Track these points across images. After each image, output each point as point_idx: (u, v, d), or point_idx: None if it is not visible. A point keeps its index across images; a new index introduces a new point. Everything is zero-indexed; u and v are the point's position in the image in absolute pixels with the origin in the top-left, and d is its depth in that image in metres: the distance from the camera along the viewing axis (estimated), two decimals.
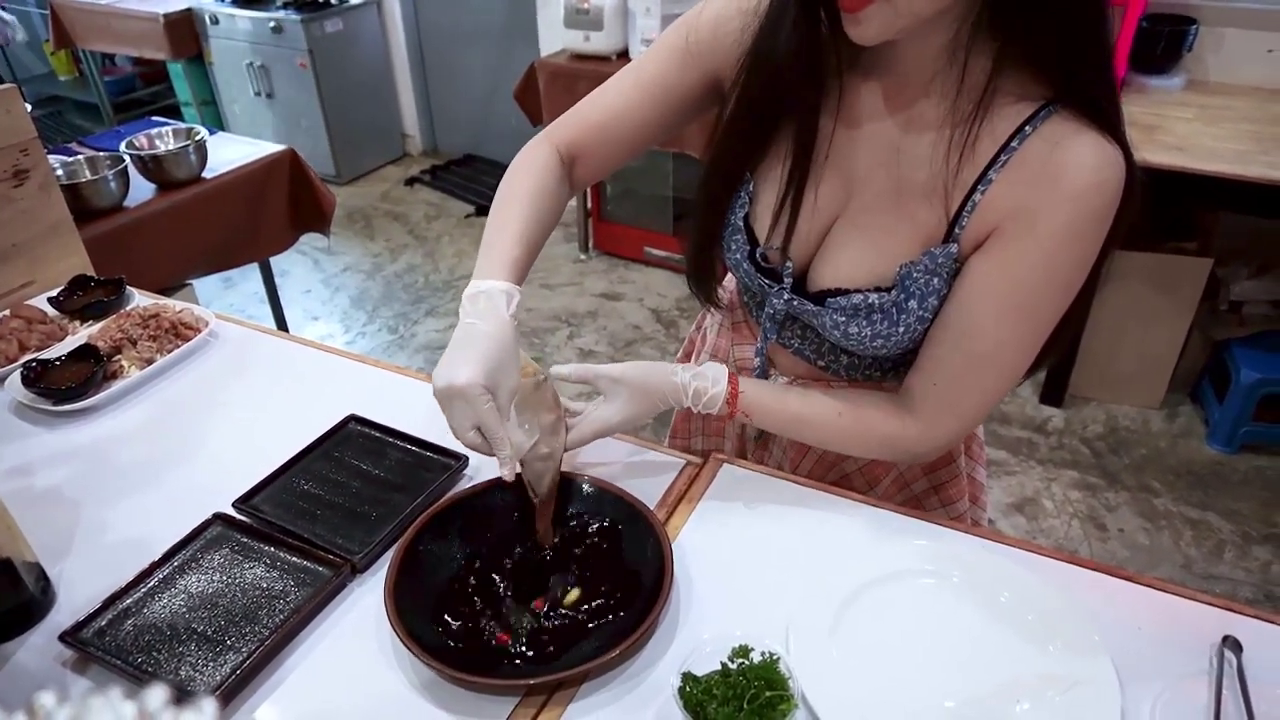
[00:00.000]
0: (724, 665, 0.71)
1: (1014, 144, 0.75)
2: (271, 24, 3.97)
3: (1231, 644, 0.75)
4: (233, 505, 0.93)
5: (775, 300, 0.92)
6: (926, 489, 1.04)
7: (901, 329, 0.84)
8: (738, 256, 0.92)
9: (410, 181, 4.32)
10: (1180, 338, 2.53)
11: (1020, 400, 2.70)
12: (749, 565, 0.86)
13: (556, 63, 3.12)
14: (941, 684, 0.73)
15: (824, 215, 0.86)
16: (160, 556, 0.87)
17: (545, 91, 3.16)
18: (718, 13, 0.87)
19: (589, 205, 3.51)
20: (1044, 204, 0.74)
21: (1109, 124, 0.73)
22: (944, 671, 0.74)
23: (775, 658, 0.71)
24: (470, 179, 4.30)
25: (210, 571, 0.86)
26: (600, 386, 0.90)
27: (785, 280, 0.90)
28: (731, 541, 0.89)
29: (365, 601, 0.83)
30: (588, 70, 3.05)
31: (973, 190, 0.77)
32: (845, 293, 0.85)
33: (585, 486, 0.92)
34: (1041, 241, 0.75)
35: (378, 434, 1.03)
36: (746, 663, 0.71)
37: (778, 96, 0.82)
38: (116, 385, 1.12)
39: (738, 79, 0.84)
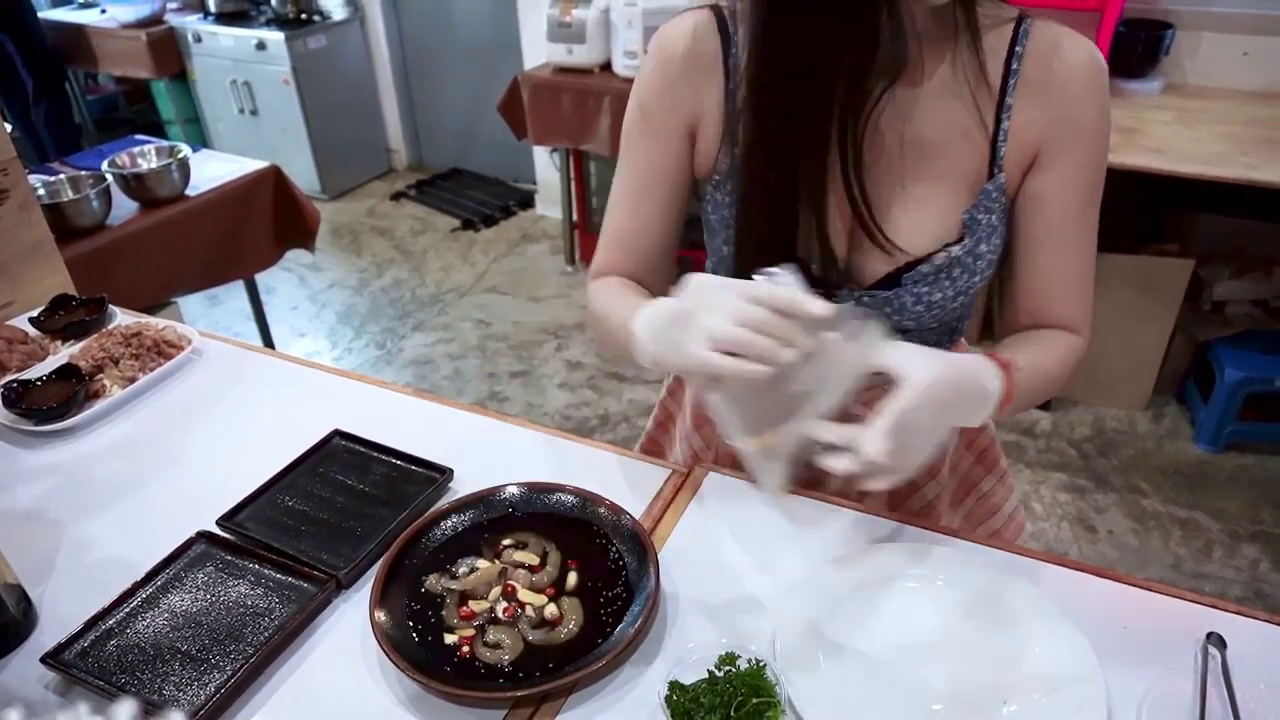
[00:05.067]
0: (711, 673, 0.71)
1: (1015, 65, 0.81)
2: (255, 41, 3.97)
3: (1215, 640, 0.75)
4: (216, 523, 0.92)
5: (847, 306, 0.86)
6: (973, 462, 1.07)
7: (977, 277, 0.86)
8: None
9: (396, 196, 4.32)
10: (1164, 339, 2.55)
11: None
12: (735, 572, 0.86)
13: (540, 76, 3.14)
14: (928, 687, 0.73)
15: (847, 208, 0.83)
16: (143, 576, 0.86)
17: (529, 104, 3.16)
18: (651, 81, 0.88)
19: (574, 218, 3.52)
20: (1074, 106, 0.81)
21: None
22: (931, 674, 0.74)
23: (762, 664, 0.71)
24: (456, 193, 4.31)
25: (194, 590, 0.85)
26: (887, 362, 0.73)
27: (842, 283, 0.87)
28: (717, 549, 0.89)
29: (351, 617, 0.83)
30: (571, 83, 3.06)
31: (999, 120, 0.82)
32: (918, 263, 0.85)
33: (570, 497, 0.92)
34: (1090, 138, 0.82)
35: (362, 449, 1.03)
36: (733, 670, 0.71)
37: (806, 108, 0.77)
38: (98, 405, 1.11)
39: (750, 104, 0.81)
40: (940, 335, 0.95)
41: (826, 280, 0.86)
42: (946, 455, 1.03)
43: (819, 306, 0.67)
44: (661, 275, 0.96)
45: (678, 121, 0.88)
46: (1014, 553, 0.87)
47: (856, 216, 0.82)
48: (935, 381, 0.69)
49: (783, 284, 0.70)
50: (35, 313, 1.31)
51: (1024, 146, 0.83)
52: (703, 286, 0.73)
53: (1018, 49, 0.81)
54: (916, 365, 0.70)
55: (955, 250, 0.84)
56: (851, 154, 0.79)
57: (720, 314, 0.68)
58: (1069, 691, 0.71)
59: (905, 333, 0.91)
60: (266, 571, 0.86)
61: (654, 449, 1.21)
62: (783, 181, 0.82)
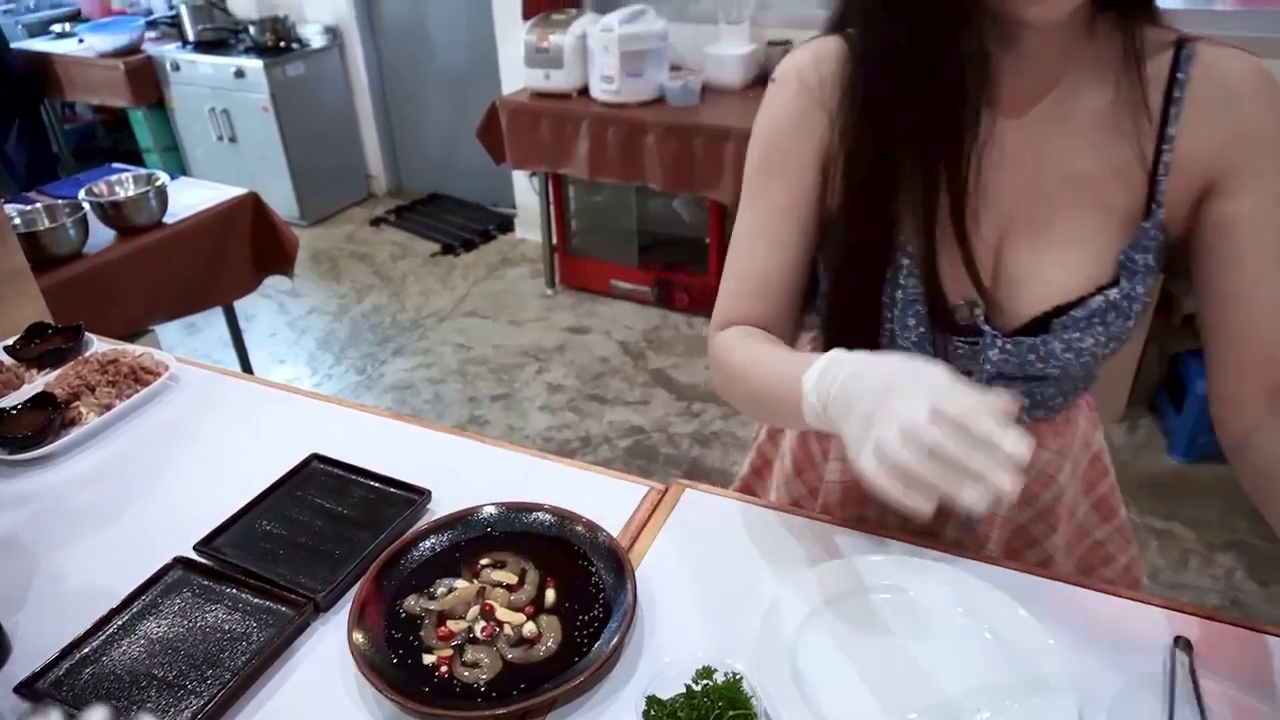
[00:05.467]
0: (688, 687, 0.71)
1: (1177, 94, 0.74)
2: (234, 69, 3.98)
3: (1183, 645, 0.76)
4: (194, 548, 0.92)
5: (991, 353, 0.82)
6: (1088, 511, 1.01)
7: (1131, 321, 0.79)
8: (920, 331, 0.83)
9: (375, 222, 4.33)
10: (1136, 352, 2.59)
11: None
12: (712, 588, 0.87)
13: (518, 101, 3.16)
14: (902, 697, 0.74)
15: (989, 248, 0.81)
16: (119, 603, 0.86)
17: (508, 129, 3.19)
18: (785, 109, 0.83)
19: (554, 241, 3.54)
20: (1253, 121, 0.73)
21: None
22: (904, 685, 0.75)
23: (738, 677, 0.72)
24: (436, 218, 4.32)
25: (171, 616, 0.85)
26: None
27: (986, 329, 0.81)
28: (695, 565, 0.90)
29: (329, 639, 0.83)
30: (549, 108, 3.09)
31: (1159, 152, 0.75)
32: (1071, 307, 0.79)
33: (547, 516, 0.92)
34: (1273, 155, 0.74)
35: (340, 472, 1.03)
36: (710, 683, 0.71)
37: (931, 137, 0.76)
38: (74, 432, 1.11)
39: (850, 149, 0.79)
40: (1078, 384, 0.89)
41: (963, 326, 0.82)
42: (1063, 506, 0.97)
43: (1014, 443, 0.57)
44: (790, 320, 0.90)
45: (811, 155, 0.83)
46: (983, 561, 0.88)
47: (965, 262, 0.77)
48: None
49: (985, 401, 0.59)
50: (10, 341, 1.31)
51: (1191, 178, 0.76)
52: (897, 368, 0.65)
53: (1179, 75, 0.74)
54: None
55: (1112, 293, 0.77)
56: (951, 196, 0.75)
57: (895, 424, 0.59)
58: (1040, 697, 0.72)
59: (1044, 379, 0.85)
60: (244, 596, 0.86)
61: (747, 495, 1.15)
62: (875, 228, 0.80)
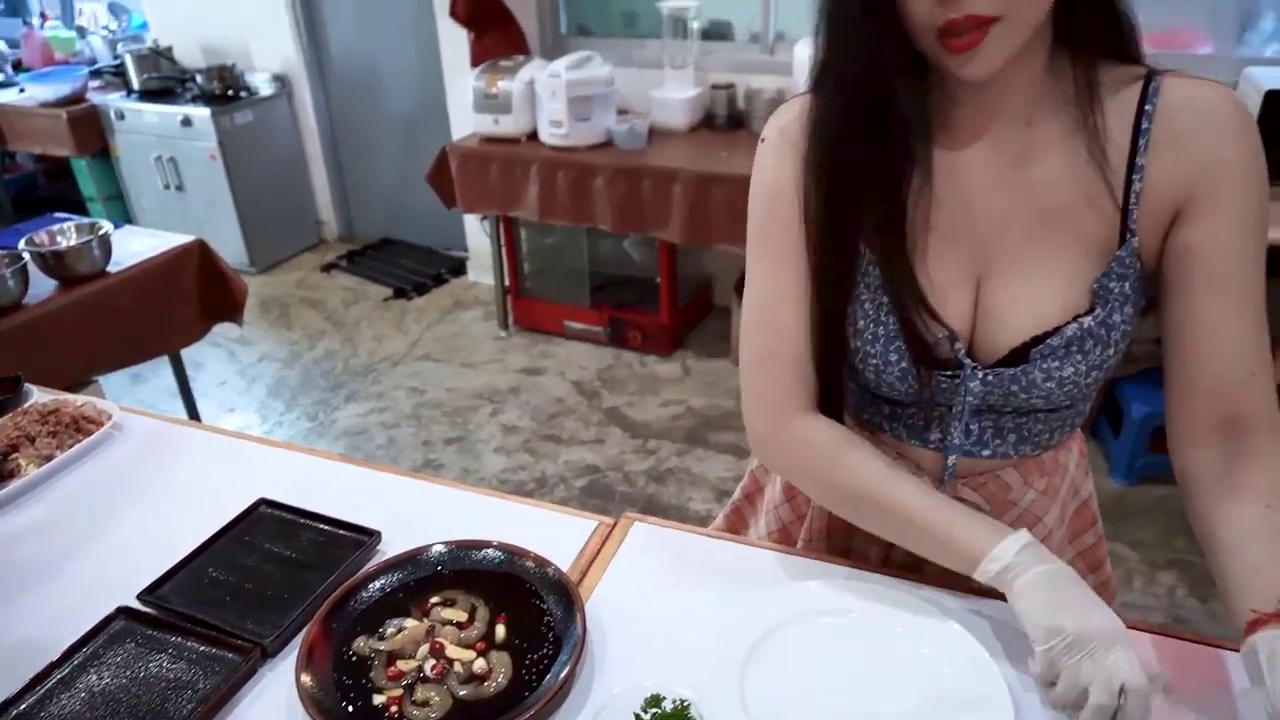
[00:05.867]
0: (637, 716, 0.72)
1: (1145, 124, 0.77)
2: (180, 118, 3.96)
3: None
4: (137, 598, 0.91)
5: (971, 385, 0.83)
6: (1073, 558, 1.01)
7: (1111, 349, 0.81)
8: (903, 365, 0.85)
9: (327, 268, 4.30)
10: None
11: None
12: (661, 618, 0.88)
13: (467, 146, 3.20)
14: (847, 717, 0.75)
15: (968, 283, 0.83)
16: (58, 657, 0.84)
17: (458, 174, 3.22)
18: (781, 158, 0.86)
19: (507, 283, 3.55)
20: (1217, 150, 0.75)
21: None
22: (849, 704, 0.77)
23: (686, 704, 0.73)
24: (388, 262, 4.31)
25: (113, 668, 0.83)
26: None
27: (965, 361, 0.83)
28: (644, 596, 0.91)
29: (277, 685, 0.82)
30: (499, 152, 3.13)
31: (1129, 182, 0.78)
32: (1048, 336, 0.80)
33: (496, 552, 0.93)
34: (1241, 181, 0.76)
35: (289, 516, 1.03)
36: (659, 711, 0.72)
37: (878, 182, 0.80)
38: (13, 485, 1.09)
39: (814, 195, 0.83)
40: (1064, 418, 0.90)
41: (945, 360, 0.84)
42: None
43: None
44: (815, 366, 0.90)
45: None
46: (918, 582, 0.90)
47: (919, 302, 0.81)
48: None
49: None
50: None
51: (1161, 206, 0.78)
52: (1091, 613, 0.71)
53: (1147, 107, 0.77)
54: None
55: (1087, 321, 0.79)
56: (895, 233, 0.80)
57: (1070, 684, 0.69)
58: (979, 710, 0.74)
59: (1034, 412, 0.87)
60: (189, 644, 0.85)
61: (737, 521, 1.17)
62: (843, 267, 0.84)
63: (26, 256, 2.07)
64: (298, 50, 4.16)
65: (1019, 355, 0.82)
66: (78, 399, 1.26)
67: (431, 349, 3.54)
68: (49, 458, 1.14)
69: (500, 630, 0.85)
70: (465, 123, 3.40)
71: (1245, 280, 0.77)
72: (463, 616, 0.86)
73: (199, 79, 4.03)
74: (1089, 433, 2.80)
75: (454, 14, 3.29)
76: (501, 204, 3.21)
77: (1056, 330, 0.80)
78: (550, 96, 2.98)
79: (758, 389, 0.90)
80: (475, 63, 3.31)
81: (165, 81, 4.14)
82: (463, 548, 0.94)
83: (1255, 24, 2.59)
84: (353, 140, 4.41)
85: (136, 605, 0.90)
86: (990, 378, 0.83)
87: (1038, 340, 0.80)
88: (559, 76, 2.93)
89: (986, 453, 0.90)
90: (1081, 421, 0.96)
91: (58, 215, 2.55)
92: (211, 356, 3.52)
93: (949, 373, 0.84)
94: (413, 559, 0.93)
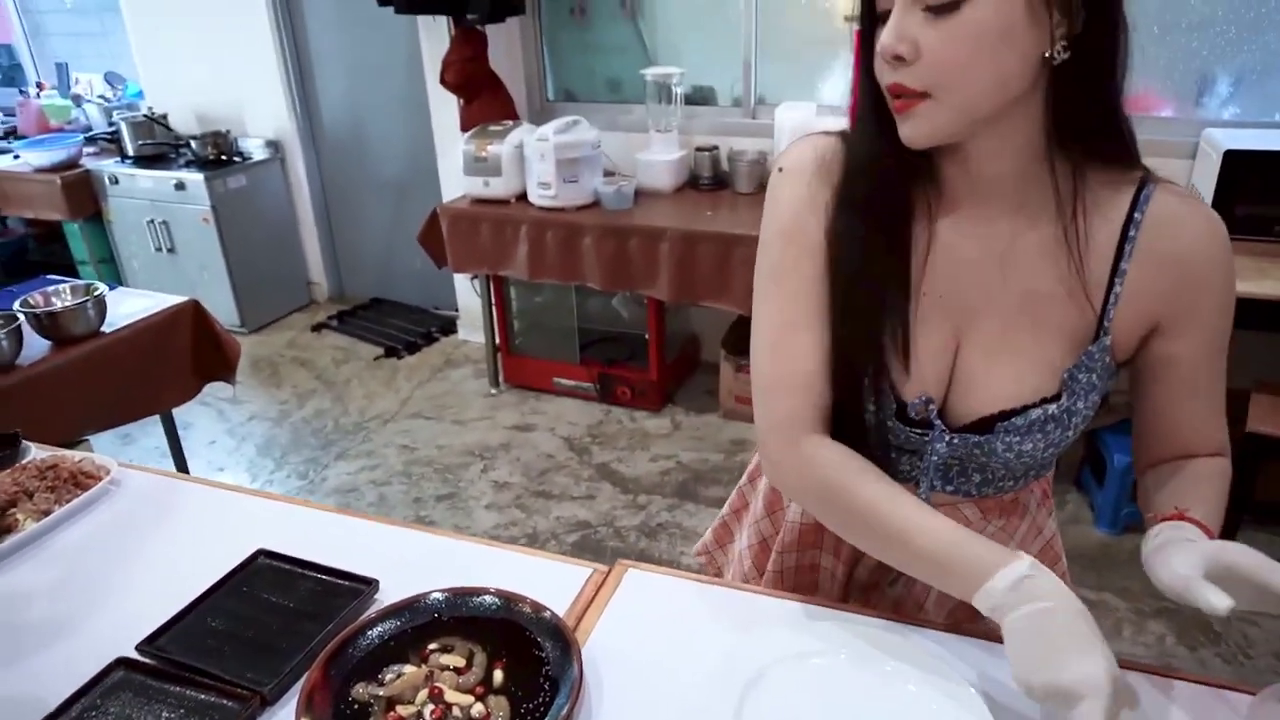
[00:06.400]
0: None
1: (1132, 233, 0.82)
2: (174, 182, 4.03)
3: None
4: (136, 648, 0.91)
5: (939, 445, 0.88)
6: None
7: (1070, 432, 0.86)
8: (881, 416, 0.89)
9: (317, 328, 4.34)
10: None
11: None
12: (656, 662, 0.90)
13: (458, 207, 3.27)
14: None
15: (947, 351, 0.88)
16: (55, 709, 0.84)
17: (448, 234, 3.28)
18: (793, 193, 0.89)
19: (497, 340, 3.59)
20: (1200, 277, 0.82)
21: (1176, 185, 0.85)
22: None
23: None
24: (378, 322, 4.35)
25: (112, 718, 0.84)
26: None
27: (936, 423, 0.88)
28: (639, 641, 0.93)
29: None
30: (488, 213, 3.20)
31: (1111, 283, 0.83)
32: (1015, 413, 0.85)
33: (493, 599, 0.95)
34: (1214, 307, 0.85)
35: (287, 566, 1.04)
36: None
37: (877, 231, 0.86)
38: (10, 540, 1.10)
39: (835, 230, 0.87)
40: (1029, 472, 0.95)
41: (918, 423, 0.88)
42: None
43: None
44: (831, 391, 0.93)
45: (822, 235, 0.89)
46: (908, 623, 0.93)
47: (903, 362, 0.86)
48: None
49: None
50: None
51: (1140, 313, 0.83)
52: (1078, 633, 0.71)
53: (1136, 215, 0.81)
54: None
55: (1051, 408, 0.84)
56: (899, 303, 0.86)
57: (1063, 704, 0.69)
58: None
59: (994, 473, 0.92)
60: (189, 694, 0.86)
61: (724, 534, 1.24)
62: (853, 330, 0.88)
63: (21, 317, 2.09)
64: (291, 116, 4.26)
65: (985, 424, 0.87)
66: (75, 455, 1.27)
67: (422, 407, 3.56)
68: (47, 512, 1.15)
69: (498, 675, 0.86)
70: (455, 185, 3.48)
71: (1213, 377, 0.89)
72: (461, 662, 0.87)
73: (193, 145, 4.11)
74: (1073, 483, 2.84)
75: (444, 82, 3.39)
76: (492, 263, 3.26)
77: (1023, 410, 0.85)
78: (539, 159, 3.06)
79: (771, 411, 0.91)
80: (465, 128, 3.40)
81: (160, 147, 4.21)
82: (460, 594, 0.95)
83: (1212, 88, 2.71)
84: (344, 203, 4.48)
85: (135, 656, 0.91)
86: (956, 441, 0.88)
87: (1005, 415, 0.86)
88: (547, 140, 3.02)
89: (950, 488, 0.95)
90: (1049, 473, 1.01)
91: (51, 277, 2.58)
92: (201, 415, 3.52)
93: (918, 430, 0.89)
94: (411, 606, 0.94)
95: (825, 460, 0.88)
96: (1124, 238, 0.82)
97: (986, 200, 0.85)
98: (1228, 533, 2.38)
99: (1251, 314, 2.15)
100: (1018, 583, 0.74)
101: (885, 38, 0.74)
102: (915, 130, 0.77)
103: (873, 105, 0.82)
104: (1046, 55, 0.74)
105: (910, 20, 0.73)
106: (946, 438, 0.88)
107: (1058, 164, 0.81)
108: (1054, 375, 0.85)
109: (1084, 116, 0.78)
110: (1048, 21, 0.72)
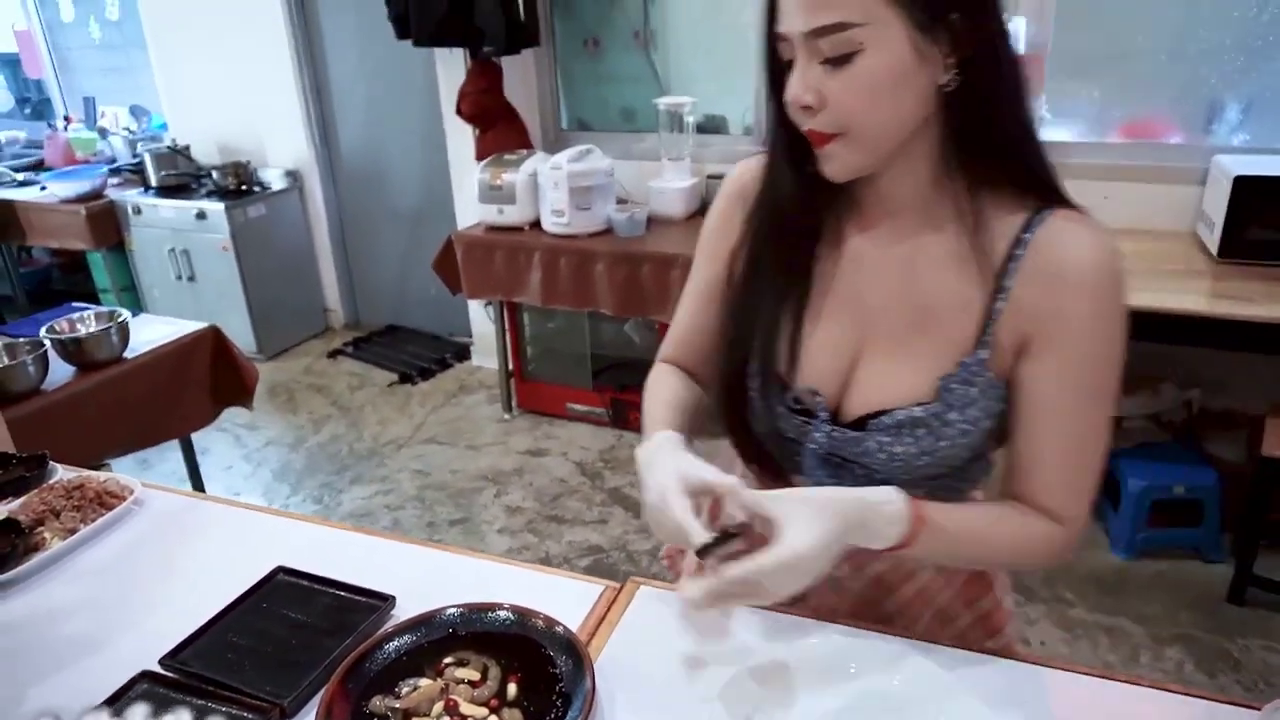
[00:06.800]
0: None
1: (1019, 251, 0.84)
2: (195, 211, 4.10)
3: None
4: (159, 662, 0.94)
5: (817, 435, 0.94)
6: (971, 622, 1.05)
7: (944, 442, 0.89)
8: (771, 402, 0.96)
9: (333, 354, 4.38)
10: None
11: None
12: (668, 677, 0.91)
13: (473, 234, 3.31)
14: None
15: (846, 351, 0.93)
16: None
17: (463, 261, 3.32)
18: (717, 207, 1.03)
19: (510, 366, 3.62)
20: (1066, 303, 0.83)
21: (1081, 211, 0.86)
22: None
23: None
24: (393, 348, 4.40)
25: None
26: (771, 513, 0.79)
27: (820, 414, 0.93)
28: (651, 656, 0.94)
29: None
30: (503, 240, 3.24)
31: (994, 300, 0.86)
32: (887, 412, 0.89)
33: (507, 614, 0.96)
34: (1080, 335, 0.83)
35: (305, 582, 1.06)
36: None
37: (782, 244, 0.94)
38: (38, 557, 1.13)
39: (744, 239, 0.97)
40: (916, 481, 0.93)
41: (805, 413, 0.95)
42: (929, 607, 1.03)
43: (695, 539, 0.79)
44: (712, 368, 1.05)
45: (725, 248, 1.00)
46: (932, 644, 0.93)
47: (792, 355, 0.94)
48: (803, 554, 0.75)
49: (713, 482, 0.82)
50: None
51: (1015, 331, 0.86)
52: (653, 463, 0.87)
53: (1025, 235, 0.84)
54: (796, 530, 0.76)
55: (917, 411, 0.88)
56: (795, 303, 0.93)
57: (649, 493, 0.84)
58: None
59: (873, 475, 0.93)
60: (211, 706, 0.88)
61: None
62: (740, 325, 0.97)
63: (48, 344, 2.14)
64: (310, 146, 4.35)
65: (863, 423, 0.92)
66: (100, 475, 1.30)
67: (436, 432, 3.59)
68: (73, 531, 1.17)
69: (512, 688, 0.87)
70: (470, 213, 3.53)
71: (1062, 425, 0.86)
72: (475, 676, 0.89)
73: (214, 175, 4.19)
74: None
75: (460, 112, 3.46)
76: (505, 290, 3.30)
77: (890, 410, 0.90)
78: (553, 187, 3.11)
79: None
80: (480, 157, 3.46)
81: (182, 178, 4.30)
82: (475, 610, 0.97)
83: (1221, 115, 2.73)
84: (360, 231, 4.55)
85: (159, 669, 0.93)
86: (834, 434, 0.93)
87: (878, 414, 0.90)
88: (561, 168, 3.07)
89: (834, 480, 0.97)
90: (971, 493, 1.02)
91: (75, 305, 2.64)
92: (218, 441, 3.56)
93: (805, 419, 0.95)
94: (427, 621, 0.96)
95: (658, 372, 1.08)
96: (1010, 256, 0.85)
97: (894, 214, 0.91)
98: (1246, 556, 2.35)
99: (1265, 339, 2.17)
100: (653, 440, 0.91)
101: (792, 90, 0.81)
102: (834, 168, 0.85)
103: (782, 142, 0.90)
104: (940, 84, 0.80)
105: (813, 72, 0.79)
106: (826, 428, 0.93)
107: (955, 183, 0.87)
108: (932, 383, 0.89)
109: (980, 138, 0.83)
110: (936, 55, 0.78)
